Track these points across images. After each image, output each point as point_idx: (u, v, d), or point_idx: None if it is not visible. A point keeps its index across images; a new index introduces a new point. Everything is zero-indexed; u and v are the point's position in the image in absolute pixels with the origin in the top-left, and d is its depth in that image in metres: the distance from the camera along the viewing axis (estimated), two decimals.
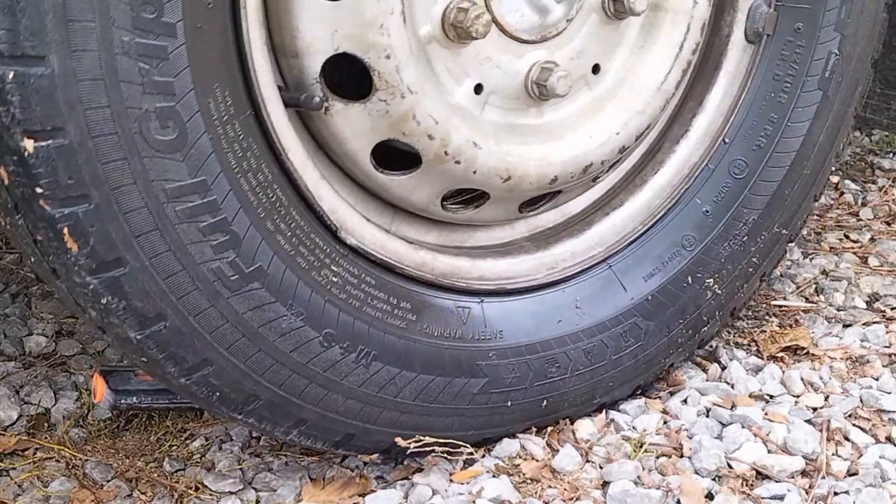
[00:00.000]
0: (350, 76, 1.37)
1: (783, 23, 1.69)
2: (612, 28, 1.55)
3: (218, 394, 1.31)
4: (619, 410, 1.68)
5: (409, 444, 1.46)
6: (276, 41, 1.32)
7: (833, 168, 1.75)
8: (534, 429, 1.60)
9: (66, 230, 1.14)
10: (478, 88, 1.46)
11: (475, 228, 1.62)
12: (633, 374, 1.66)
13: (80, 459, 1.62)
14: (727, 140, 1.71)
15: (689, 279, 1.68)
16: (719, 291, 1.70)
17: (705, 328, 1.72)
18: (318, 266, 1.35)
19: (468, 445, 1.53)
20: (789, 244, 1.81)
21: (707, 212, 1.70)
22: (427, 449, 1.49)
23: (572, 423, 1.64)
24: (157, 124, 1.16)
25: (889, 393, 1.72)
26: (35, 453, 1.65)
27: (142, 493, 1.56)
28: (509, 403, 1.54)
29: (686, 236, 1.69)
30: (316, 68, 1.32)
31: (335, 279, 1.37)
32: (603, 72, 1.58)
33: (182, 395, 1.37)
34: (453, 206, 1.56)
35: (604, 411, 1.68)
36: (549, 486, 1.50)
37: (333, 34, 1.30)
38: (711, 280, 1.69)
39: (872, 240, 2.31)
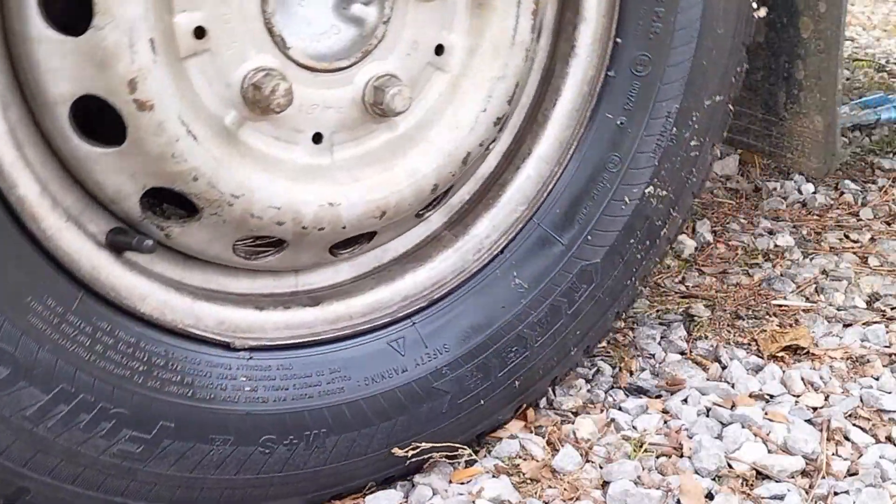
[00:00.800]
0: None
1: None
2: (438, 3, 1.42)
3: None
4: (619, 410, 1.68)
5: (407, 451, 1.47)
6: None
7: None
8: (533, 430, 1.60)
9: None
10: (317, 138, 1.38)
11: (386, 244, 1.55)
12: (600, 311, 1.63)
13: None
14: (619, 40, 1.57)
15: (626, 199, 1.59)
16: (664, 192, 1.61)
17: (664, 230, 1.64)
18: (224, 386, 1.34)
19: (467, 447, 1.53)
20: (729, 104, 1.67)
21: (622, 124, 1.59)
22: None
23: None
24: None
25: (889, 393, 1.72)
26: None
27: None
28: (482, 402, 1.54)
29: (608, 158, 1.59)
30: (136, 209, 1.28)
31: (248, 387, 1.36)
32: (448, 50, 1.45)
33: None
34: (346, 248, 1.48)
35: (604, 411, 1.68)
36: (549, 486, 1.50)
37: (133, 176, 1.25)
38: (651, 188, 1.60)
39: (872, 240, 2.31)
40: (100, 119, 1.24)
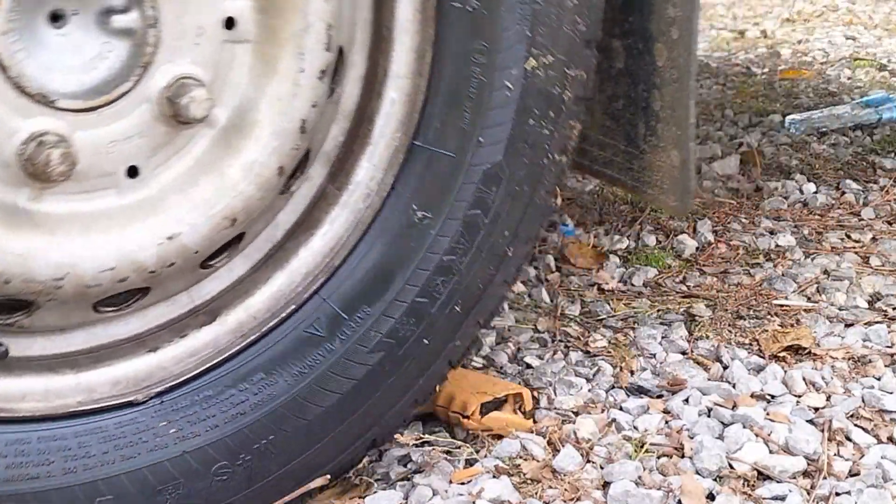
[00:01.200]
0: None
1: None
2: None
3: None
4: (620, 410, 1.68)
5: (409, 441, 1.46)
6: None
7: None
8: (534, 430, 1.60)
9: None
10: (132, 171, 1.26)
11: (273, 218, 1.45)
12: (523, 202, 1.48)
13: None
14: None
15: (508, 84, 1.42)
16: (549, 59, 1.44)
17: (565, 93, 1.47)
18: (137, 442, 1.29)
19: (468, 445, 1.52)
20: None
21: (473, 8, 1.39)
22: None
23: (573, 422, 1.64)
24: None
25: (891, 393, 1.72)
26: None
27: None
28: (426, 341, 1.45)
29: (474, 48, 1.40)
30: None
31: (172, 430, 1.32)
32: (238, 19, 1.28)
33: None
34: (217, 258, 1.40)
35: (605, 411, 1.68)
36: (550, 487, 1.50)
37: None
38: (532, 60, 1.42)
39: (874, 239, 2.31)
40: None
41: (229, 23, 1.28)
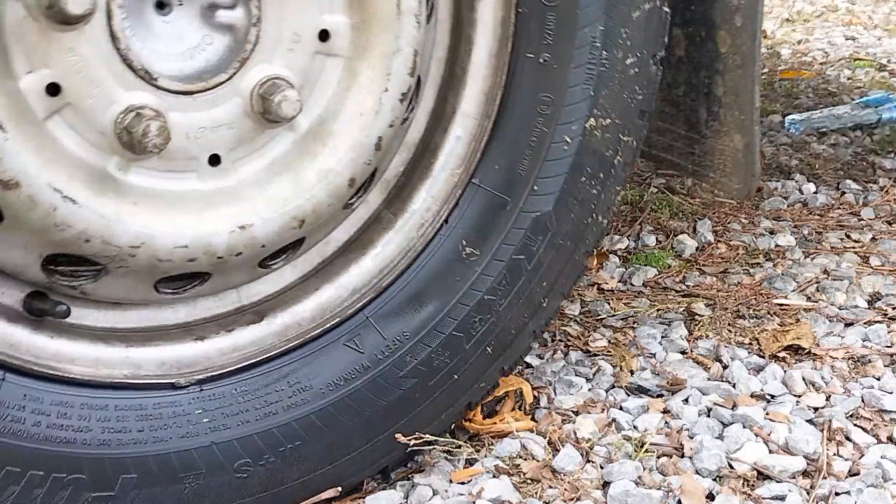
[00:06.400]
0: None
1: None
2: None
3: None
4: (620, 410, 1.68)
5: (410, 440, 1.46)
6: None
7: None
8: (534, 430, 1.60)
9: None
10: (214, 160, 1.31)
11: (327, 237, 1.50)
12: (565, 257, 1.55)
13: None
14: None
15: (567, 138, 1.49)
16: (608, 121, 1.51)
17: (618, 157, 1.54)
18: (180, 424, 1.32)
19: (469, 445, 1.52)
20: (663, 7, 1.55)
21: (545, 61, 1.47)
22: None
23: (573, 422, 1.64)
24: None
25: (891, 393, 1.72)
26: None
27: None
28: (456, 377, 1.49)
29: (539, 100, 1.48)
30: (40, 277, 1.25)
31: (206, 419, 1.34)
32: (333, 33, 1.34)
33: None
34: (278, 258, 1.43)
35: (605, 411, 1.68)
36: (550, 487, 1.50)
37: (26, 248, 1.22)
38: (593, 120, 1.50)
39: (874, 239, 2.31)
40: None
41: (324, 35, 1.34)
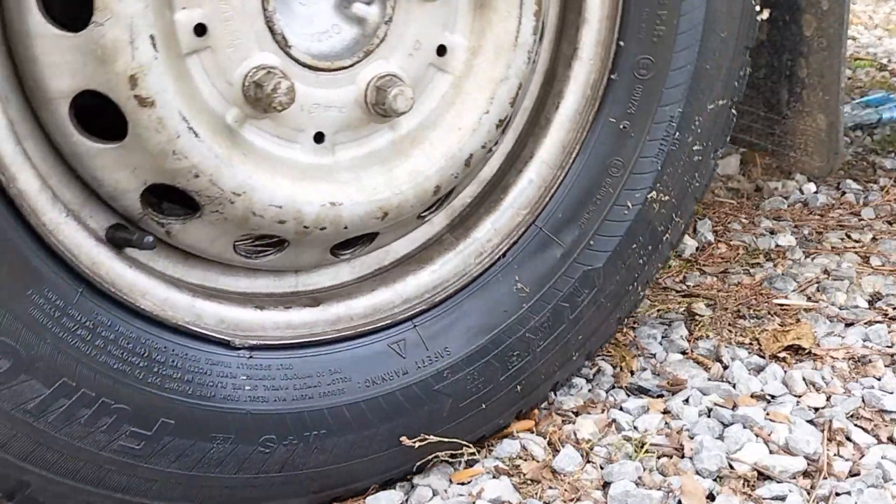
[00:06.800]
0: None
1: None
2: (439, 4, 1.42)
3: None
4: (620, 410, 1.68)
5: (414, 442, 1.46)
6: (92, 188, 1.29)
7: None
8: (534, 430, 1.60)
9: None
10: (319, 137, 1.38)
11: (388, 245, 1.55)
12: (602, 317, 1.62)
13: None
14: (622, 42, 1.57)
15: (628, 204, 1.59)
16: (667, 198, 1.62)
17: (667, 235, 1.64)
18: (224, 385, 1.35)
19: (470, 445, 1.52)
20: (732, 108, 1.67)
21: (625, 127, 1.58)
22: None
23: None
24: None
25: (891, 393, 1.71)
26: None
27: None
28: (483, 406, 1.53)
29: (611, 162, 1.58)
30: (136, 205, 1.29)
31: (248, 387, 1.36)
32: (450, 51, 1.45)
33: None
34: (348, 249, 1.49)
35: (605, 412, 1.68)
36: (550, 487, 1.50)
37: (134, 171, 1.26)
38: (654, 193, 1.60)
39: (874, 239, 2.31)
40: (100, 115, 1.24)
41: (441, 50, 1.45)
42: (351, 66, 1.37)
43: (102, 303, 1.27)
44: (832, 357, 1.83)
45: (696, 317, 1.98)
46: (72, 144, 1.24)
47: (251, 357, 1.38)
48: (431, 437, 1.48)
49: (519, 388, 1.56)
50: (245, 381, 1.36)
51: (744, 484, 1.50)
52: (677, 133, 1.59)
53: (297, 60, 1.32)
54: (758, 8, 1.62)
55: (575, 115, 1.58)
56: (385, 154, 1.44)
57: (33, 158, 1.23)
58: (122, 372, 1.27)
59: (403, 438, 1.46)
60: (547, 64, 1.60)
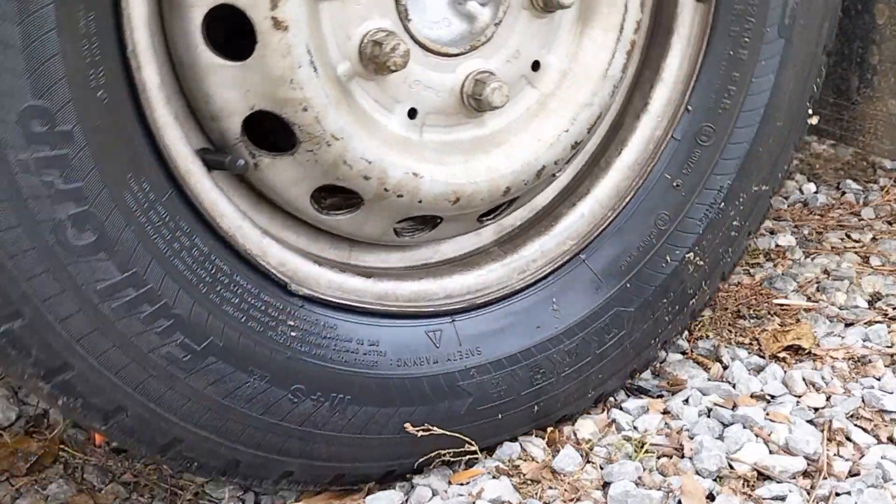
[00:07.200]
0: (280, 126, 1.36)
1: None
2: (545, 21, 1.50)
3: (196, 463, 1.36)
4: (620, 410, 1.68)
5: (418, 431, 1.46)
6: (193, 107, 1.32)
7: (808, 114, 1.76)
8: (533, 431, 1.60)
9: (6, 344, 1.18)
10: (412, 113, 1.43)
11: (440, 242, 1.60)
12: (623, 362, 1.66)
13: (80, 460, 1.62)
14: (690, 107, 1.66)
15: (667, 257, 1.66)
16: (701, 263, 1.68)
17: (693, 300, 1.71)
18: (273, 325, 1.36)
19: (473, 443, 1.52)
20: (772, 198, 1.78)
21: (678, 185, 1.66)
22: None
23: (573, 423, 1.63)
24: (74, 231, 1.17)
25: (891, 393, 1.71)
26: (32, 455, 1.64)
27: (140, 497, 1.56)
28: (500, 416, 1.54)
29: (659, 215, 1.66)
30: (235, 129, 1.32)
31: (294, 333, 1.38)
32: (543, 68, 1.53)
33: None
34: (409, 231, 1.53)
35: (605, 412, 1.68)
36: (550, 487, 1.49)
37: (246, 94, 1.29)
38: (692, 254, 1.67)
39: (874, 239, 2.30)
40: (223, 34, 1.29)
41: (535, 65, 1.52)
42: (456, 55, 1.43)
43: (186, 211, 1.29)
44: (832, 357, 1.83)
45: (696, 316, 1.98)
46: (194, 55, 1.27)
47: (302, 307, 1.40)
48: (435, 429, 1.47)
49: (536, 407, 1.57)
50: (291, 329, 1.38)
51: (744, 484, 1.50)
52: (723, 204, 1.67)
53: (411, 35, 1.38)
54: (810, 111, 1.72)
55: (634, 164, 1.65)
56: (467, 146, 1.49)
57: (159, 54, 1.26)
58: (189, 281, 1.28)
59: (407, 425, 1.46)
60: (615, 113, 1.68)
